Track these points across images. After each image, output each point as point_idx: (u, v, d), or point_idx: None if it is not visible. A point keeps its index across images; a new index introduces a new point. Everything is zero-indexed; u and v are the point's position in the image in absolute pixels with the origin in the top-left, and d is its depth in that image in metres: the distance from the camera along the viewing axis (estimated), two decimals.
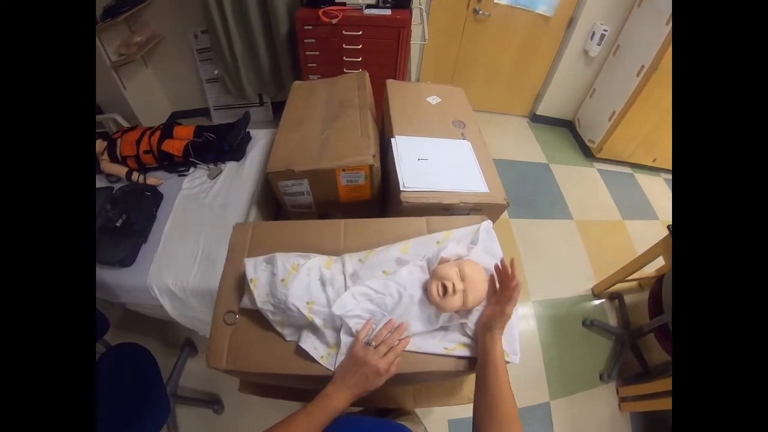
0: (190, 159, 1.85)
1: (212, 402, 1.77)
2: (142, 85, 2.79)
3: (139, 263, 1.56)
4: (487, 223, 0.97)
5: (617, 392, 2.02)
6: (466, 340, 0.82)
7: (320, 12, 2.17)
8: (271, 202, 1.73)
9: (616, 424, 1.94)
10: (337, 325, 0.79)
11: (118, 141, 1.86)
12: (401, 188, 1.11)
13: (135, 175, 1.81)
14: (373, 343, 0.75)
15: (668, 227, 1.86)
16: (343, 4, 2.24)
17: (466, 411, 1.79)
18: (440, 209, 1.12)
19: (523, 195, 2.94)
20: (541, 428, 1.86)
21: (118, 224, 1.60)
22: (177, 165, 1.89)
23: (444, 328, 0.82)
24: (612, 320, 2.33)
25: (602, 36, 2.92)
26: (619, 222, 2.95)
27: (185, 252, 1.57)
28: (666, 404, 1.75)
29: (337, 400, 0.70)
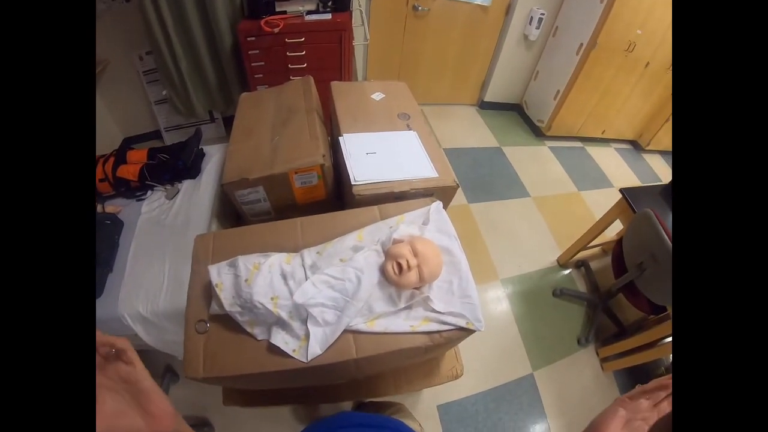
0: (147, 182, 1.82)
1: (201, 425, 1.75)
2: None
3: (107, 294, 1.53)
4: (437, 204, 1.02)
5: (597, 354, 2.11)
6: (430, 314, 0.86)
7: (262, 22, 2.18)
8: (231, 215, 1.73)
9: (601, 384, 2.02)
10: (303, 316, 0.82)
11: None
12: (352, 182, 1.14)
13: None
14: None
15: (621, 190, 1.97)
16: (284, 12, 2.26)
17: (453, 395, 1.84)
18: (393, 198, 1.15)
19: (479, 179, 3.02)
20: (529, 399, 1.91)
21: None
22: (134, 190, 1.86)
23: (408, 307, 0.86)
24: (581, 287, 2.44)
25: (540, 19, 3.04)
26: (576, 194, 3.08)
27: (152, 276, 1.55)
28: (646, 357, 1.84)
29: None
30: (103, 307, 1.50)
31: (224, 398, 1.23)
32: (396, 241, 0.87)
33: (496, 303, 2.28)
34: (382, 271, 0.84)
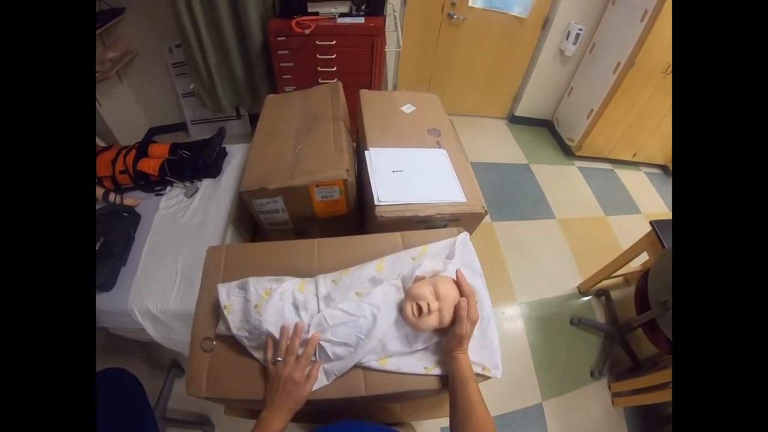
0: (167, 178, 1.82)
1: (202, 423, 1.75)
2: (118, 102, 2.75)
3: (119, 287, 1.52)
4: (464, 236, 0.96)
5: (609, 388, 2.04)
6: None
7: (293, 22, 2.15)
8: (249, 220, 1.71)
9: (610, 420, 1.95)
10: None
11: None
12: (376, 203, 1.09)
13: (112, 196, 1.77)
14: (280, 358, 0.76)
15: (651, 223, 1.88)
16: (316, 13, 2.23)
17: None
18: (417, 222, 1.11)
19: (504, 197, 2.96)
20: (535, 430, 1.86)
21: (96, 247, 1.56)
22: (153, 184, 1.86)
23: (423, 348, 0.82)
24: (599, 317, 2.35)
25: (577, 35, 2.96)
26: (602, 218, 2.99)
27: (165, 274, 1.54)
28: (659, 397, 1.76)
29: (273, 423, 0.72)
30: (113, 300, 1.50)
31: (226, 409, 1.21)
32: (418, 279, 0.82)
33: (512, 327, 2.21)
34: (401, 309, 0.79)
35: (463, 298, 0.77)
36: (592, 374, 2.07)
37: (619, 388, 1.99)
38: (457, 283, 0.81)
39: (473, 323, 0.78)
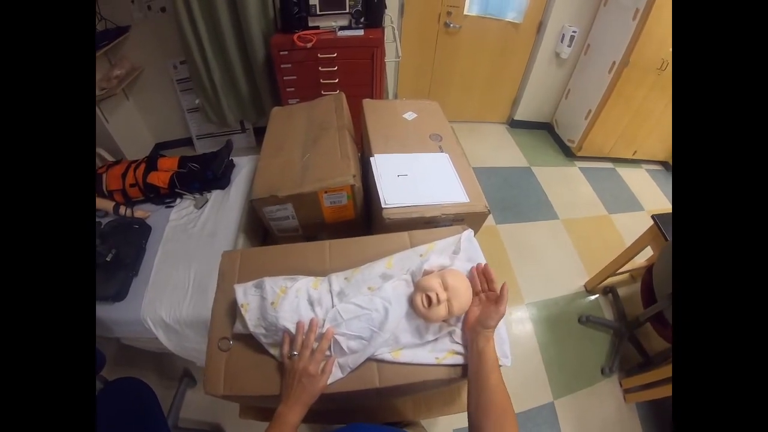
0: (176, 190, 1.86)
1: None
2: (125, 118, 2.81)
3: (131, 297, 1.56)
4: (468, 232, 0.99)
5: (620, 384, 2.04)
6: (456, 347, 0.83)
7: (295, 37, 2.20)
8: (259, 228, 1.75)
9: (622, 416, 1.95)
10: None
11: (104, 176, 1.87)
12: (383, 206, 1.13)
13: (122, 209, 1.82)
14: (295, 352, 0.78)
15: (653, 217, 1.90)
16: (317, 27, 2.28)
17: None
18: (423, 223, 1.14)
19: (507, 200, 2.98)
20: (548, 429, 1.86)
21: (108, 259, 1.59)
22: (163, 197, 1.90)
23: (434, 339, 0.84)
24: (607, 314, 2.36)
25: (572, 37, 3.00)
26: (606, 216, 3.00)
27: (177, 283, 1.57)
28: (670, 390, 1.74)
29: (289, 417, 0.73)
30: (126, 310, 1.53)
31: (240, 412, 1.23)
32: (426, 272, 0.85)
33: (521, 328, 2.23)
34: (411, 302, 0.82)
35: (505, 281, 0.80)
36: (602, 372, 2.07)
37: (630, 384, 1.99)
38: (486, 273, 0.84)
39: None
